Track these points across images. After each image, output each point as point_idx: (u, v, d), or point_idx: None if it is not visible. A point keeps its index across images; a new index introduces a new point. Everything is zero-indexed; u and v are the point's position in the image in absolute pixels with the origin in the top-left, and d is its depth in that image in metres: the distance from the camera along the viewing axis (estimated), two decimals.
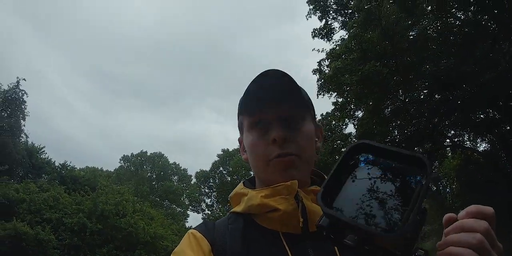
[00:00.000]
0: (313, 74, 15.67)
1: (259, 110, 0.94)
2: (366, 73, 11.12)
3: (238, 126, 1.07)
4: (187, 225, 35.13)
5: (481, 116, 13.32)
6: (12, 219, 14.41)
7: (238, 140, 1.09)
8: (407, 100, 13.61)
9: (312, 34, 16.14)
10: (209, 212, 40.18)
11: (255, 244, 0.90)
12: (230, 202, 1.06)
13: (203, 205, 41.35)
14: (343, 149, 14.21)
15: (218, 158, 41.99)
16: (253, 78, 0.93)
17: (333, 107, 15.56)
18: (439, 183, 19.00)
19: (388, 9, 10.95)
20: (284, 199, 0.89)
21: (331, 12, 15.56)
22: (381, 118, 13.45)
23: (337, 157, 13.45)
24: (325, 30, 15.75)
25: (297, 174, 0.91)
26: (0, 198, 15.61)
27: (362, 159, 0.66)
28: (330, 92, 14.80)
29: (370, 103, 13.36)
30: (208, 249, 0.90)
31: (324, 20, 15.65)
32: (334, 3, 15.31)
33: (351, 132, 15.89)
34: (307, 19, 16.02)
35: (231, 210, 1.02)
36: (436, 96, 12.83)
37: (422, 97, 13.73)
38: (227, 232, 0.94)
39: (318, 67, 15.46)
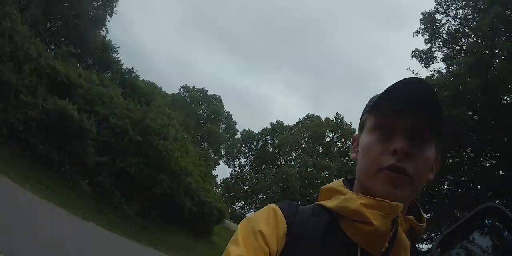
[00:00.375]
0: None
1: (392, 113, 0.87)
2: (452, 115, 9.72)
3: (359, 124, 1.01)
4: (214, 172, 35.61)
5: None
6: (66, 99, 14.45)
7: (353, 137, 1.06)
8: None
9: (412, 53, 15.07)
10: (239, 171, 40.42)
11: (330, 248, 0.85)
12: (319, 193, 1.01)
13: (236, 162, 41.68)
14: None
15: (270, 127, 41.89)
16: (394, 82, 0.86)
17: None
18: None
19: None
20: (382, 217, 0.81)
21: (439, 39, 14.34)
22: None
23: None
24: (426, 55, 14.60)
25: (403, 196, 0.84)
26: (62, 76, 15.60)
27: (487, 222, 0.67)
28: None
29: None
30: (283, 232, 0.87)
31: (429, 45, 14.45)
32: (446, 33, 14.09)
33: None
34: (413, 36, 14.87)
35: (319, 202, 0.97)
36: None
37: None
38: (308, 223, 0.89)
39: None
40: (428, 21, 14.16)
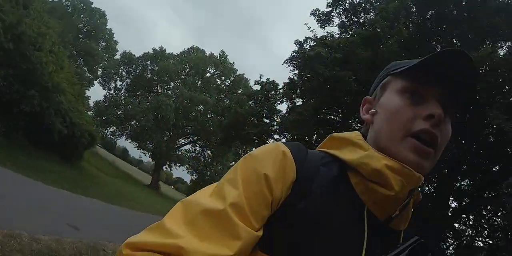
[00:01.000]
0: (294, 43, 14.79)
1: (429, 80, 0.83)
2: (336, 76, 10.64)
3: (376, 85, 0.96)
4: (87, 93, 33.49)
5: None
6: None
7: (365, 99, 0.98)
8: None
9: (312, 12, 15.14)
10: (114, 94, 38.52)
11: (337, 205, 0.79)
12: (327, 140, 0.93)
13: (112, 85, 39.48)
14: None
15: (152, 52, 40.16)
16: (440, 51, 0.81)
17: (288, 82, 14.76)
18: None
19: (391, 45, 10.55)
20: (402, 184, 0.77)
21: (341, 7, 14.91)
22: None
23: None
24: (325, 17, 14.97)
25: (427, 168, 0.81)
26: None
27: None
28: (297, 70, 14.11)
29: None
30: (291, 180, 0.79)
31: (330, 9, 14.87)
32: (349, 4, 14.72)
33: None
34: None
35: (328, 151, 0.89)
36: None
37: None
38: (317, 173, 0.82)
39: (302, 41, 14.50)
40: None
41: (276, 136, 15.62)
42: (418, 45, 11.21)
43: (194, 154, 41.16)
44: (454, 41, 10.99)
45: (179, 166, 39.30)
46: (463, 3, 11.43)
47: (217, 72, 41.58)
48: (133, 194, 18.26)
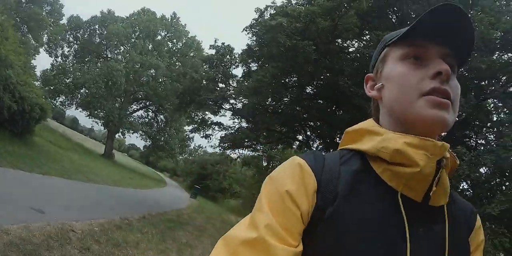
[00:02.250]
0: (255, 11, 14.40)
1: (427, 41, 0.84)
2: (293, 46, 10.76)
3: (375, 60, 0.97)
4: (33, 62, 31.65)
5: None
6: None
7: (367, 76, 0.99)
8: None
9: None
10: (61, 61, 36.62)
11: (368, 200, 0.79)
12: (343, 136, 0.95)
13: (59, 52, 37.49)
14: None
15: (100, 15, 38.33)
16: (431, 9, 0.80)
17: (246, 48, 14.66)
18: None
19: None
20: (427, 158, 0.77)
21: None
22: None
23: None
24: None
25: (450, 120, 0.80)
26: None
27: None
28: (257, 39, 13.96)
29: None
30: (313, 190, 0.80)
31: None
32: None
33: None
34: None
35: (345, 147, 0.91)
36: None
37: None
38: (339, 174, 0.82)
39: (262, 9, 14.06)
40: None
41: (232, 101, 15.81)
42: (377, 16, 11.41)
43: (147, 119, 40.99)
44: (413, 15, 11.24)
45: (132, 133, 38.63)
46: None
47: (168, 35, 40.59)
48: (89, 165, 18.01)
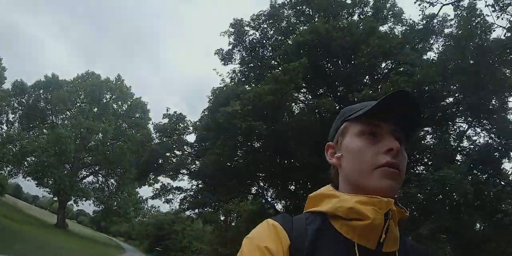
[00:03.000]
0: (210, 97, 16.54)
1: (380, 121, 1.01)
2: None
3: (335, 131, 1.12)
4: None
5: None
6: None
7: (328, 145, 1.14)
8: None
9: (215, 51, 17.52)
10: (6, 129, 36.09)
11: (330, 250, 0.93)
12: (307, 201, 1.09)
13: (4, 118, 36.82)
14: None
15: (44, 80, 38.41)
16: (385, 96, 0.97)
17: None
18: None
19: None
20: (375, 211, 0.92)
21: (242, 45, 17.08)
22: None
23: None
24: (227, 56, 17.24)
25: (398, 187, 0.97)
26: None
27: None
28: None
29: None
30: (287, 246, 0.93)
31: (231, 46, 17.12)
32: (249, 42, 16.87)
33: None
34: (220, 35, 17.04)
35: (309, 210, 1.06)
36: None
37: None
38: (306, 232, 0.97)
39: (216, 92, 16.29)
40: (237, 28, 16.53)
41: (190, 166, 16.84)
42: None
43: (97, 184, 40.40)
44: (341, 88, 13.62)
45: (85, 200, 37.89)
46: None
47: (113, 97, 41.24)
48: (45, 240, 17.63)
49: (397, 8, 16.55)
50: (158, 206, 57.00)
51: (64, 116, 38.87)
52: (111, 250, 28.22)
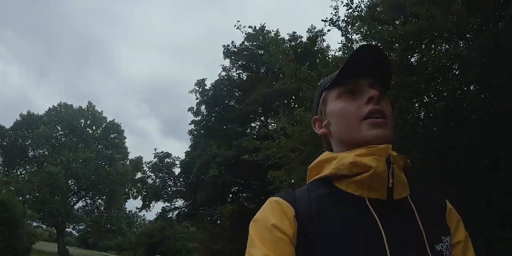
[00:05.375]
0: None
1: (355, 78, 1.07)
2: None
3: (317, 105, 1.20)
4: None
5: None
6: None
7: (314, 119, 1.22)
8: None
9: (188, 109, 24.09)
10: None
11: (341, 211, 0.98)
12: (307, 174, 1.16)
13: None
14: None
15: (21, 119, 43.26)
16: (353, 52, 1.05)
17: None
18: None
19: None
20: (376, 160, 0.97)
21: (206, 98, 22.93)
22: None
23: None
24: (196, 111, 23.78)
25: (389, 135, 1.03)
26: None
27: None
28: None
29: None
30: (292, 215, 0.98)
31: (199, 101, 23.54)
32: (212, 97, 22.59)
33: None
34: (188, 93, 23.61)
35: (312, 179, 1.12)
36: None
37: None
38: (310, 200, 1.01)
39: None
40: (200, 86, 22.57)
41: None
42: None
43: (88, 208, 46.17)
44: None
45: (82, 226, 43.83)
46: None
47: (88, 123, 46.53)
48: None
49: None
50: (143, 215, 63.08)
51: (47, 152, 43.13)
52: None
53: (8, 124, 43.16)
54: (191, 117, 24.07)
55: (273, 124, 18.38)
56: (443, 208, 1.08)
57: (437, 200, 1.10)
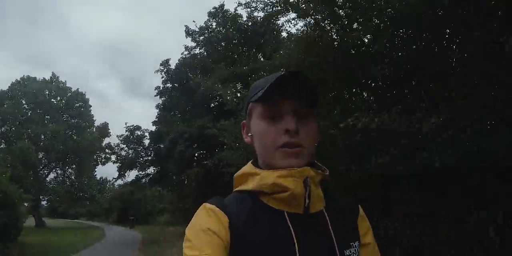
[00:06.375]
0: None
1: (276, 101, 1.12)
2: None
3: (245, 111, 1.26)
4: None
5: None
6: None
7: (242, 123, 1.30)
8: None
9: (155, 88, 27.39)
10: None
11: (263, 223, 1.09)
12: (234, 181, 1.25)
13: None
14: None
15: None
16: (277, 76, 1.09)
17: None
18: None
19: None
20: (295, 182, 1.07)
21: (170, 78, 26.02)
22: None
23: None
24: (162, 91, 27.16)
25: (303, 163, 1.11)
26: None
27: None
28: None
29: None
30: (227, 223, 1.07)
31: (164, 82, 26.59)
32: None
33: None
34: (154, 73, 25.95)
35: (237, 189, 1.21)
36: None
37: None
38: (238, 210, 1.11)
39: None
40: (164, 66, 25.11)
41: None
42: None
43: (60, 178, 49.26)
44: None
45: (57, 198, 47.00)
46: None
47: (52, 93, 48.31)
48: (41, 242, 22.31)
49: None
50: (111, 179, 66.41)
51: (14, 127, 45.10)
52: (94, 230, 36.40)
53: None
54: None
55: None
56: (355, 215, 1.23)
57: (351, 207, 1.25)
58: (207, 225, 1.06)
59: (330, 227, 1.11)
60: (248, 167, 1.22)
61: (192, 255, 1.00)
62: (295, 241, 1.05)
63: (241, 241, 1.05)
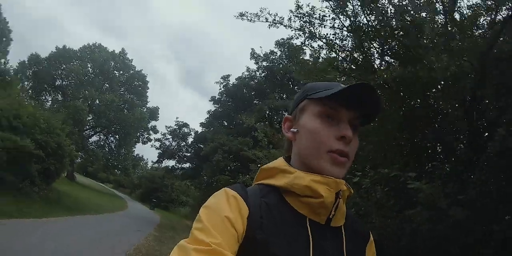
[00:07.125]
0: None
1: (341, 107, 1.11)
2: None
3: (295, 107, 1.23)
4: None
5: None
6: None
7: (286, 117, 1.27)
8: None
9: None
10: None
11: (284, 223, 1.06)
12: (259, 172, 1.24)
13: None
14: None
15: (56, 51, 47.40)
16: (349, 85, 1.08)
17: None
18: None
19: None
20: (328, 191, 1.06)
21: None
22: None
23: None
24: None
25: (344, 174, 1.11)
26: None
27: None
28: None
29: None
30: (246, 215, 1.04)
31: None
32: None
33: None
34: (214, 83, 29.93)
35: (263, 182, 1.19)
36: None
37: None
38: (261, 204, 1.08)
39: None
40: (225, 79, 27.62)
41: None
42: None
43: (101, 143, 51.89)
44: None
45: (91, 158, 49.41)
46: None
47: (117, 66, 51.24)
48: (78, 196, 25.00)
49: None
50: (146, 159, 68.66)
51: (76, 88, 47.42)
52: (118, 199, 39.01)
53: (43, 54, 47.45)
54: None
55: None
56: (366, 240, 1.24)
57: (363, 232, 1.25)
58: (225, 213, 1.01)
59: (344, 245, 1.12)
60: (281, 162, 1.20)
61: (201, 239, 0.93)
62: (311, 249, 1.04)
63: (256, 236, 1.01)
